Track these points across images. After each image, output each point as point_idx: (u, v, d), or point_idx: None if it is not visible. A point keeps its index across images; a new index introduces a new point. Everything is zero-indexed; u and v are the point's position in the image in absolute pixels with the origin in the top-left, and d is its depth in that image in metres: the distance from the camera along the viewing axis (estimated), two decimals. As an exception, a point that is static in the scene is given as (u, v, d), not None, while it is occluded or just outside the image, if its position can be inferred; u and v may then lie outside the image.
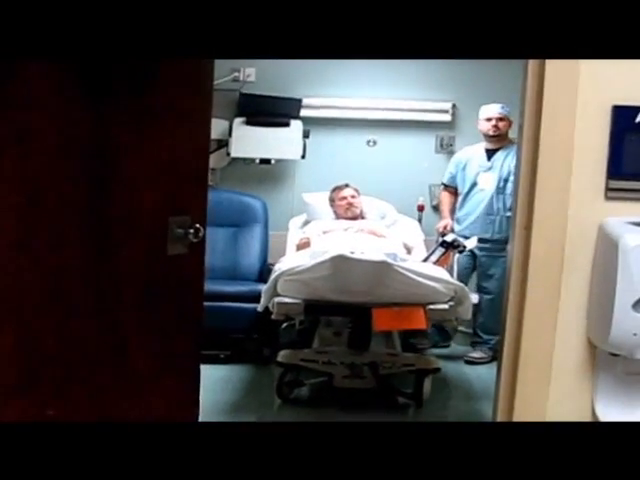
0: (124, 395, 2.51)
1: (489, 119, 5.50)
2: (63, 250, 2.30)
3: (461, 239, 5.19)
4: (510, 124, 5.44)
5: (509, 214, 5.13)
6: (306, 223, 5.67)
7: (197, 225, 2.57)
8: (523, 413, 2.65)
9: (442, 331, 5.75)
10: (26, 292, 2.23)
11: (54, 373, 2.33)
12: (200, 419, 2.81)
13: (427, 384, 4.59)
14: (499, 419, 2.73)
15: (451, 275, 4.86)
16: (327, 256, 4.09)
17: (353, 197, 5.52)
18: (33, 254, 2.23)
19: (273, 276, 4.38)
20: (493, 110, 5.50)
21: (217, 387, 4.74)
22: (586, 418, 2.66)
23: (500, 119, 5.47)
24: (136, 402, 2.54)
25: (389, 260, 4.10)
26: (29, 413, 2.27)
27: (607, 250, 2.50)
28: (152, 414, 2.57)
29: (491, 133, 5.52)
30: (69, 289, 2.33)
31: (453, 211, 5.81)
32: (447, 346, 5.86)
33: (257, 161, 6.28)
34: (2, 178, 2.13)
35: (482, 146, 5.62)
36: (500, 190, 5.47)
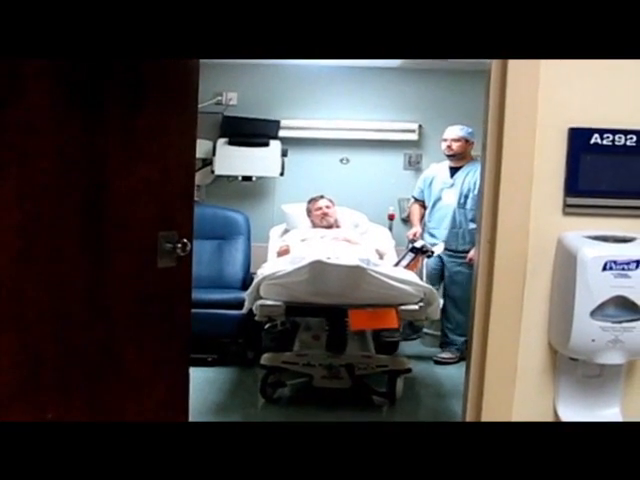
0: (119, 397, 2.51)
1: (445, 140, 5.53)
2: (61, 263, 2.30)
3: (429, 245, 5.22)
4: (470, 144, 5.45)
5: (471, 227, 5.20)
6: (285, 232, 5.67)
7: (184, 240, 2.57)
8: (490, 412, 2.63)
9: (412, 325, 5.75)
10: (26, 302, 2.23)
11: (53, 378, 2.33)
12: (189, 418, 2.79)
13: (399, 383, 4.60)
14: (468, 419, 2.72)
15: (420, 279, 4.86)
16: (305, 262, 4.10)
17: (328, 207, 5.52)
18: (32, 267, 2.23)
19: (256, 280, 4.38)
20: (449, 132, 5.52)
21: (205, 388, 4.72)
22: (548, 417, 2.65)
23: (455, 140, 5.47)
24: (130, 404, 2.54)
25: (363, 265, 4.11)
26: (29, 417, 2.25)
27: (566, 262, 2.49)
28: (145, 415, 2.57)
29: (446, 153, 5.56)
30: (67, 299, 2.33)
31: (421, 220, 5.82)
32: (418, 337, 5.84)
33: (239, 178, 6.30)
34: (4, 197, 2.13)
35: (447, 164, 5.63)
36: (461, 205, 5.50)
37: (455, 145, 5.47)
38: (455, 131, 5.48)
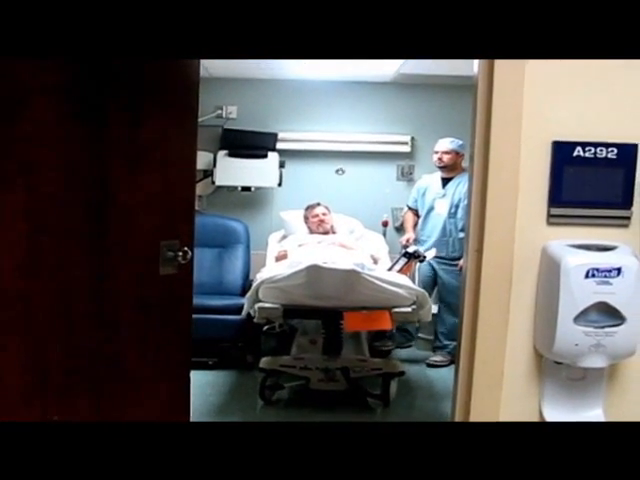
0: (122, 400, 2.51)
1: (436, 152, 5.55)
2: (66, 271, 2.31)
3: (421, 250, 5.23)
4: (460, 156, 5.47)
5: (460, 235, 5.21)
6: (283, 237, 5.66)
7: (185, 248, 2.57)
8: (478, 414, 2.64)
9: (405, 333, 5.76)
10: (33, 309, 2.24)
11: (58, 381, 2.33)
12: (190, 420, 2.79)
13: (393, 386, 4.60)
14: (457, 420, 2.72)
15: (413, 282, 4.86)
16: (302, 266, 4.10)
17: (324, 214, 5.52)
18: (39, 275, 2.24)
19: (255, 284, 4.38)
20: (440, 145, 5.53)
21: (206, 390, 4.71)
22: (534, 418, 2.66)
23: (446, 152, 5.49)
24: (134, 406, 2.55)
25: (358, 269, 4.10)
26: (35, 418, 2.26)
27: (550, 270, 2.50)
28: (148, 416, 2.57)
29: (437, 164, 5.57)
30: (72, 306, 2.34)
31: (415, 228, 5.83)
32: (410, 346, 5.84)
33: (239, 189, 6.29)
34: (11, 208, 2.14)
35: (439, 175, 5.64)
36: (452, 214, 5.51)
37: (446, 157, 5.49)
38: (445, 144, 5.49)
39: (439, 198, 5.59)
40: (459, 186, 5.44)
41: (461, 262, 5.09)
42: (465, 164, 5.32)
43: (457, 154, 5.47)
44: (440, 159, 5.50)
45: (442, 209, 5.55)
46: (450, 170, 5.53)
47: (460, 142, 5.41)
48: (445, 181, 5.58)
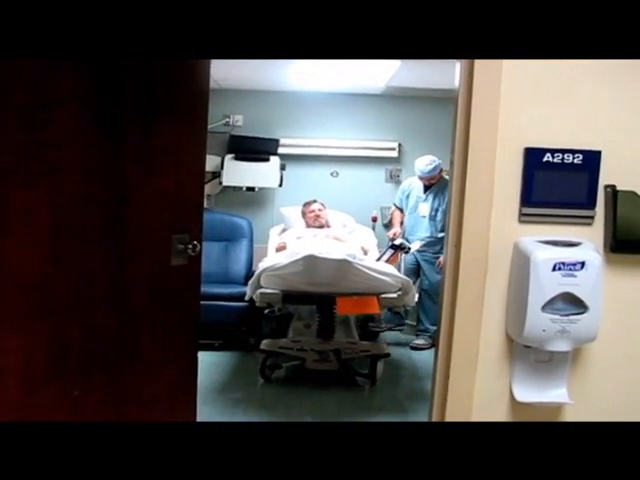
0: (136, 378, 2.52)
1: (421, 178, 5.55)
2: (86, 262, 2.30)
3: (406, 243, 5.28)
4: (441, 171, 5.46)
5: (439, 235, 5.27)
6: (283, 231, 5.68)
7: (195, 242, 2.58)
8: (455, 392, 2.64)
9: (397, 315, 5.76)
10: (56, 296, 2.24)
11: (79, 362, 2.33)
12: (197, 397, 2.79)
13: (380, 366, 4.62)
14: (436, 397, 2.72)
15: (399, 272, 4.88)
16: (300, 256, 4.12)
17: (320, 210, 5.53)
18: (62, 265, 2.24)
19: (257, 272, 4.41)
20: (425, 171, 5.48)
21: (211, 370, 4.74)
22: (505, 397, 2.66)
23: (432, 178, 5.50)
24: (146, 384, 2.55)
25: (349, 259, 4.13)
26: (58, 395, 2.26)
27: (521, 263, 2.50)
28: (159, 393, 2.57)
29: (425, 184, 5.57)
30: (91, 294, 2.34)
31: (402, 224, 5.84)
32: (402, 330, 5.83)
33: (244, 189, 6.32)
34: (38, 204, 2.14)
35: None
36: (432, 217, 5.53)
37: (433, 180, 5.52)
38: (430, 172, 5.46)
39: (421, 202, 5.62)
40: (439, 192, 5.47)
41: (441, 258, 5.13)
42: (444, 167, 5.32)
43: (439, 173, 5.48)
44: (428, 182, 5.52)
45: (424, 211, 5.58)
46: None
47: (437, 161, 5.40)
48: (426, 187, 5.60)
